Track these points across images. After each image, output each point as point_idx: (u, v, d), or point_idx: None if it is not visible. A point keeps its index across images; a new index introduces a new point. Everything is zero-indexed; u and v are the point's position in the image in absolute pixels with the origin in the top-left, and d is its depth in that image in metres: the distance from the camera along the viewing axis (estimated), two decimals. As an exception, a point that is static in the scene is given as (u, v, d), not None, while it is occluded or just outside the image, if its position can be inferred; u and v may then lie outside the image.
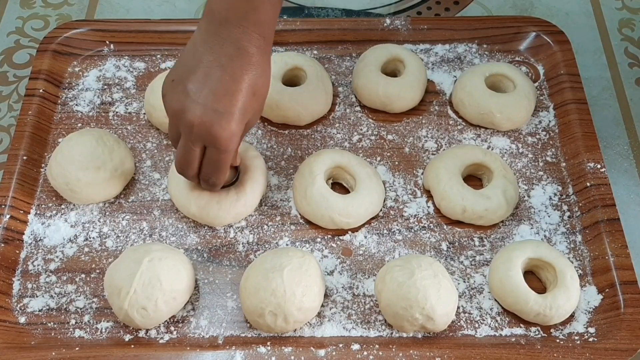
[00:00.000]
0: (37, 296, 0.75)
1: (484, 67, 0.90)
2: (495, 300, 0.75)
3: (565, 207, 0.82)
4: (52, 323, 0.73)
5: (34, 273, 0.76)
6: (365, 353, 0.70)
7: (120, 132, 0.87)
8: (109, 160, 0.79)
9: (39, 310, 0.74)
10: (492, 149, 0.87)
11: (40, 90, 0.88)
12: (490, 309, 0.75)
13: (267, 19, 0.67)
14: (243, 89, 0.66)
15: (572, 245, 0.79)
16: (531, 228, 0.81)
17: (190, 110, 0.65)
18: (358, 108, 0.90)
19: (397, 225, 0.81)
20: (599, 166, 0.83)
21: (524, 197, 0.83)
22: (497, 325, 0.74)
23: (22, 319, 0.73)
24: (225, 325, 0.73)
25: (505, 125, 0.87)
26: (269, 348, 0.70)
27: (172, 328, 0.73)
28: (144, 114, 0.89)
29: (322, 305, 0.74)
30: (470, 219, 0.80)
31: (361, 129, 0.89)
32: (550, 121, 0.89)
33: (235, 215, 0.79)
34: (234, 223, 0.80)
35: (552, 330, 0.73)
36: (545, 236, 0.80)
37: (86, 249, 0.78)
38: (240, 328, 0.73)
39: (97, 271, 0.76)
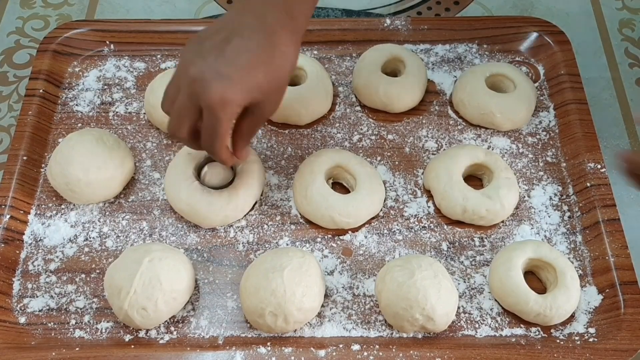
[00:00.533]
0: (37, 296, 0.75)
1: (484, 67, 0.90)
2: (496, 300, 0.75)
3: (565, 208, 0.82)
4: (52, 323, 0.73)
5: (34, 273, 0.76)
6: (365, 353, 0.70)
7: (120, 132, 0.87)
8: (109, 160, 0.79)
9: (39, 311, 0.74)
10: (492, 149, 0.87)
11: (40, 91, 0.88)
12: (491, 309, 0.75)
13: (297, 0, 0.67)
14: (253, 63, 0.64)
15: (572, 246, 0.79)
16: (531, 228, 0.81)
17: (195, 65, 0.64)
18: (358, 108, 0.90)
19: (397, 225, 0.81)
20: (599, 166, 0.83)
21: (524, 197, 0.83)
22: (497, 325, 0.74)
23: (22, 319, 0.73)
24: (225, 325, 0.73)
25: (506, 125, 0.87)
26: (269, 348, 0.70)
27: (172, 328, 0.73)
28: (144, 114, 0.89)
29: (322, 306, 0.74)
30: (470, 219, 0.79)
31: (361, 129, 0.89)
32: (550, 121, 0.89)
33: (223, 218, 0.78)
34: (222, 226, 0.80)
35: (552, 330, 0.73)
36: (545, 236, 0.80)
37: (86, 249, 0.78)
38: (241, 328, 0.73)
39: (97, 271, 0.76)
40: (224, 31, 0.66)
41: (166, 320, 0.73)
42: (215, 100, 0.63)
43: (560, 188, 0.84)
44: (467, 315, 0.74)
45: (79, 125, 0.88)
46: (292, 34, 0.67)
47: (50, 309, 0.74)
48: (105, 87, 0.91)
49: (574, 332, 0.73)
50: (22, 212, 0.80)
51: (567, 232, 0.80)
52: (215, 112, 0.64)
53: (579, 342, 0.72)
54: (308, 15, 0.69)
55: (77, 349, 0.70)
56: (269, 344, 0.71)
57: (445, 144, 0.87)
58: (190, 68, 0.65)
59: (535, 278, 0.77)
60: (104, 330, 0.73)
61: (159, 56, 0.94)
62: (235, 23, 0.66)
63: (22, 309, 0.74)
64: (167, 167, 0.81)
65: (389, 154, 0.86)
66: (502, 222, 0.81)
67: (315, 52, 0.95)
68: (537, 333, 0.73)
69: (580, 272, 0.77)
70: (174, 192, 0.78)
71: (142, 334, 0.72)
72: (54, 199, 0.81)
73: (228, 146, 0.70)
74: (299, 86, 0.87)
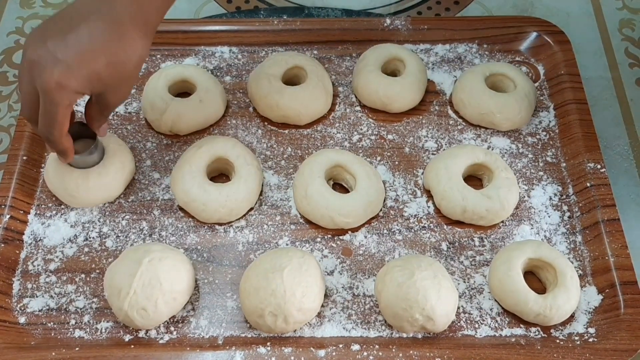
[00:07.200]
0: (37, 296, 0.75)
1: (484, 67, 0.90)
2: (495, 300, 0.75)
3: (565, 208, 0.82)
4: (52, 323, 0.73)
5: (34, 273, 0.76)
6: (365, 353, 0.70)
7: (120, 132, 0.87)
8: (109, 165, 0.79)
9: (39, 311, 0.74)
10: (492, 149, 0.87)
11: (40, 90, 0.88)
12: (490, 309, 0.75)
13: None
14: (95, 51, 0.63)
15: (572, 246, 0.79)
16: (531, 228, 0.81)
17: (35, 49, 0.63)
18: (358, 108, 0.90)
19: (397, 225, 0.81)
20: (599, 166, 0.83)
21: (524, 197, 0.83)
22: (497, 325, 0.74)
23: (22, 319, 0.73)
24: (225, 325, 0.73)
25: (506, 125, 0.87)
26: (268, 348, 0.70)
27: (172, 328, 0.73)
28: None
29: (322, 306, 0.74)
30: (470, 219, 0.79)
31: (361, 129, 0.89)
32: (550, 121, 0.89)
33: (222, 214, 0.78)
34: (220, 224, 0.80)
35: (552, 330, 0.73)
36: (545, 236, 0.80)
37: (86, 249, 0.78)
38: (240, 328, 0.73)
39: (97, 271, 0.76)
40: (69, 17, 0.64)
41: (166, 320, 0.73)
42: (50, 85, 0.62)
43: (560, 188, 0.84)
44: (467, 315, 0.74)
45: (79, 125, 0.88)
46: (142, 27, 0.65)
47: (50, 309, 0.74)
48: (105, 87, 0.91)
49: (573, 332, 0.73)
50: (22, 212, 0.80)
51: (567, 232, 0.80)
52: (51, 96, 0.63)
53: (578, 342, 0.72)
54: (161, 11, 0.67)
55: (77, 349, 0.70)
56: (268, 344, 0.71)
57: (445, 144, 0.87)
58: (29, 51, 0.64)
59: (535, 278, 0.77)
60: (103, 330, 0.73)
61: (158, 56, 0.94)
62: (83, 10, 0.64)
63: (22, 309, 0.74)
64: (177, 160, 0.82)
65: (388, 154, 0.86)
66: (502, 222, 0.81)
67: (315, 52, 0.95)
68: (537, 333, 0.73)
69: (580, 272, 0.77)
70: (178, 184, 0.79)
71: (142, 334, 0.72)
72: (53, 199, 0.81)
73: (68, 136, 0.70)
74: (299, 86, 0.87)
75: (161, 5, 0.67)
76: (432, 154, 0.87)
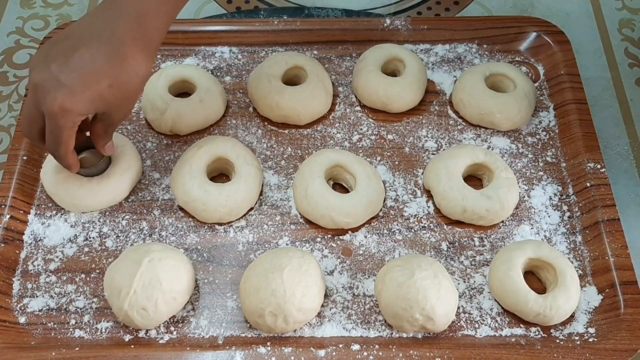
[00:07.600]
0: (37, 296, 0.75)
1: (484, 67, 0.90)
2: (495, 300, 0.75)
3: (565, 208, 0.82)
4: (52, 323, 0.73)
5: (34, 273, 0.76)
6: (365, 353, 0.70)
7: (120, 132, 0.87)
8: (111, 169, 0.79)
9: (39, 310, 0.74)
10: (492, 149, 0.87)
11: (40, 90, 0.88)
12: (490, 309, 0.75)
13: (151, 10, 0.65)
14: (98, 73, 0.64)
15: (572, 246, 0.79)
16: (531, 228, 0.81)
17: (38, 72, 0.64)
18: (358, 108, 0.90)
19: (397, 225, 0.81)
20: (599, 166, 0.83)
21: (524, 197, 0.83)
22: (497, 325, 0.74)
23: (22, 319, 0.73)
24: (225, 325, 0.73)
25: (505, 125, 0.87)
26: (269, 348, 0.70)
27: (172, 328, 0.73)
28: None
29: (322, 306, 0.74)
30: (470, 219, 0.79)
31: (361, 129, 0.89)
32: (550, 121, 0.90)
33: (222, 214, 0.78)
34: (220, 224, 0.80)
35: (552, 330, 0.73)
36: (545, 236, 0.80)
37: (86, 249, 0.78)
38: (240, 328, 0.73)
39: (97, 271, 0.76)
40: (72, 38, 0.65)
41: (166, 320, 0.73)
42: (54, 109, 0.63)
43: (560, 188, 0.84)
44: (467, 315, 0.74)
45: (79, 125, 0.88)
46: (143, 48, 0.66)
47: (50, 309, 0.74)
48: (105, 87, 0.91)
49: (573, 332, 0.73)
50: (22, 212, 0.80)
51: (567, 232, 0.80)
52: (56, 120, 0.64)
53: (578, 342, 0.72)
54: (162, 30, 0.68)
55: (77, 349, 0.70)
56: (268, 343, 0.71)
57: (445, 144, 0.87)
58: (33, 74, 0.65)
59: (535, 278, 0.77)
60: (103, 330, 0.73)
61: (158, 56, 0.94)
62: (85, 31, 0.65)
63: (22, 309, 0.74)
64: (177, 160, 0.82)
65: (388, 154, 0.86)
66: (502, 222, 0.81)
67: (315, 52, 0.95)
68: (537, 333, 0.73)
69: (580, 272, 0.77)
70: (178, 184, 0.79)
71: (142, 334, 0.72)
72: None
73: (73, 152, 0.71)
74: (299, 86, 0.87)
75: (161, 25, 0.68)
76: (432, 154, 0.87)
